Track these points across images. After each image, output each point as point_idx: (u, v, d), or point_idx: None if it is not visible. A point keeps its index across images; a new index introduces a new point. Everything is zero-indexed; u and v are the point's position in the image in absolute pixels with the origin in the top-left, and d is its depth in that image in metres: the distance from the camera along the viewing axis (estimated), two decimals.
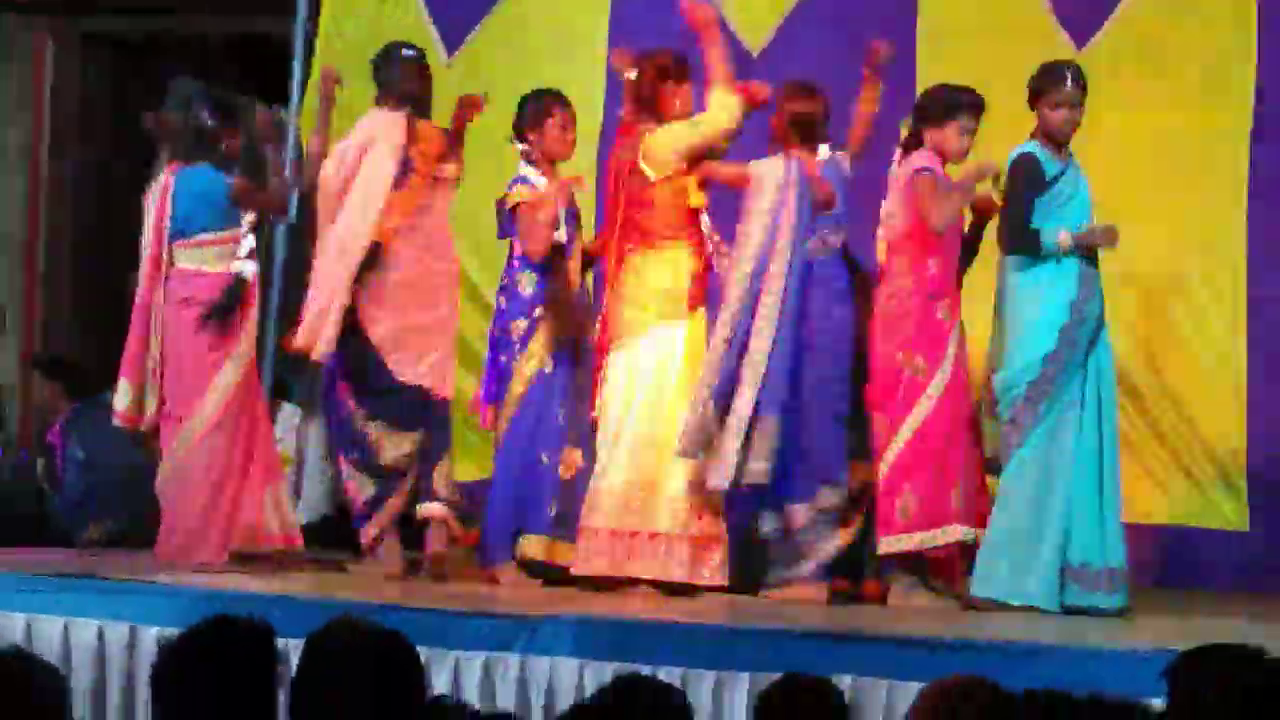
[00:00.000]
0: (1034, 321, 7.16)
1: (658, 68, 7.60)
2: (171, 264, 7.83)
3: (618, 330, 7.54)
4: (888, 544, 7.27)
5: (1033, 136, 7.27)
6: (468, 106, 7.73)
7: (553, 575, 7.60)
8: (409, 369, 7.71)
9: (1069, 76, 7.25)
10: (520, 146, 7.82)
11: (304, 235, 8.83)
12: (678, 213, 7.53)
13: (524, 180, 7.74)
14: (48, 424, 9.30)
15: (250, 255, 7.87)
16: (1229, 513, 8.37)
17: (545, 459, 7.67)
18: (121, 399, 7.92)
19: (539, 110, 7.80)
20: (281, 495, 7.93)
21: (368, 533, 7.78)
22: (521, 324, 7.72)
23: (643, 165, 7.51)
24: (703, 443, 7.28)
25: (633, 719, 3.57)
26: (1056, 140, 7.26)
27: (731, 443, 7.24)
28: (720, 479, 7.26)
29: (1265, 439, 8.36)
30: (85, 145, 11.64)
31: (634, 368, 7.50)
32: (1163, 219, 8.35)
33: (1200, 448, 8.42)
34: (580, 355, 7.76)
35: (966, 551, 7.29)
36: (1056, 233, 7.13)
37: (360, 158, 7.69)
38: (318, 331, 7.65)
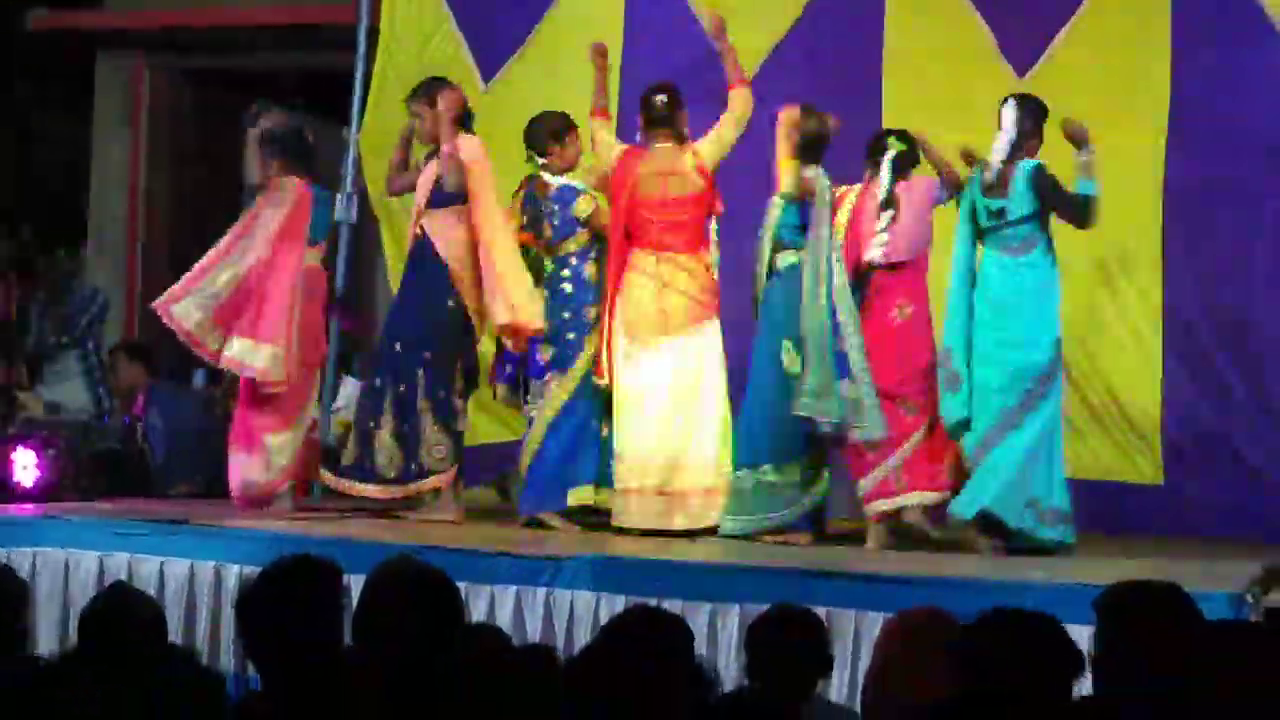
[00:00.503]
0: (1045, 310, 7.18)
1: (675, 96, 7.62)
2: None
3: (669, 317, 7.49)
4: (921, 498, 7.30)
5: (1030, 155, 7.23)
6: None
7: (593, 520, 7.59)
8: None
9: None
10: (541, 160, 7.82)
11: (360, 235, 8.85)
12: (706, 219, 7.59)
13: (580, 190, 7.76)
14: (134, 398, 9.32)
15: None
16: (1146, 470, 8.41)
17: (595, 422, 7.66)
18: (271, 362, 7.61)
19: (561, 129, 7.82)
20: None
21: (443, 479, 7.68)
22: (593, 309, 7.69)
23: (694, 175, 7.52)
24: (826, 404, 7.19)
25: (643, 644, 3.56)
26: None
27: (871, 398, 7.18)
28: (876, 431, 7.20)
29: (1176, 409, 8.41)
30: (176, 163, 11.65)
31: (695, 352, 7.49)
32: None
33: (1123, 416, 8.44)
34: None
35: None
36: (1085, 172, 7.10)
37: (466, 173, 7.66)
38: (536, 313, 7.66)
